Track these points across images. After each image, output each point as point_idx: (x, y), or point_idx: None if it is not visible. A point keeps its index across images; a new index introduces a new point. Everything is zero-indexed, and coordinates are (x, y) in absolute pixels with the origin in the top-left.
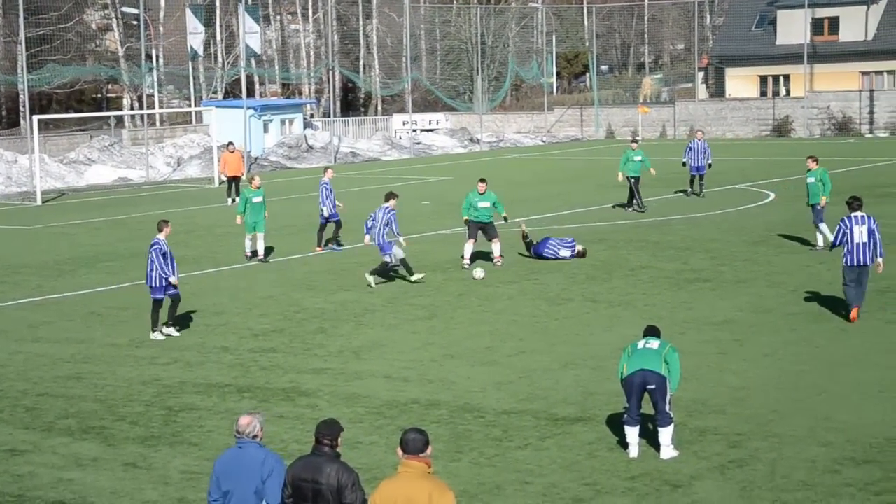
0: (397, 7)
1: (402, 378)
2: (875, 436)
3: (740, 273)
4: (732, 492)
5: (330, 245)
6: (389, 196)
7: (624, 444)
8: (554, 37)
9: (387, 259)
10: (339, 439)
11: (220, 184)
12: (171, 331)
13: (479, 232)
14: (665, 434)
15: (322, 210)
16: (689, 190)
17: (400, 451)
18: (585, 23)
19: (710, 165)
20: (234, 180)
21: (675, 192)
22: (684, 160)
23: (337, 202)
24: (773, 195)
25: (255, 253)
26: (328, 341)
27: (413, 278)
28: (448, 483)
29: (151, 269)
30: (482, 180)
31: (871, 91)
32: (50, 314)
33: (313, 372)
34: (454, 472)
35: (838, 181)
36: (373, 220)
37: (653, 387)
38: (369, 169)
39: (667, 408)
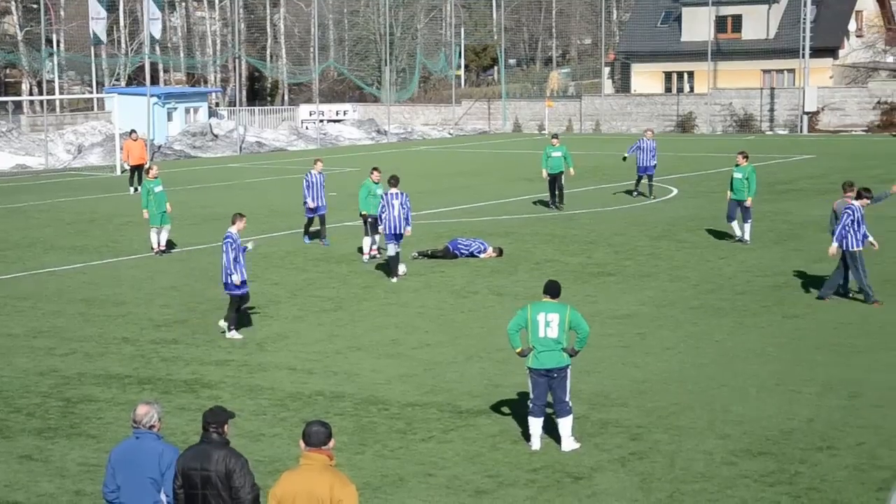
0: None
1: (306, 370)
2: (771, 428)
3: (643, 267)
4: (632, 483)
5: (322, 241)
6: (394, 180)
7: (527, 436)
8: (462, 29)
9: (392, 251)
10: (227, 426)
11: (122, 172)
12: (233, 335)
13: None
14: (565, 425)
15: (306, 202)
16: (636, 190)
17: (302, 444)
18: (494, 16)
19: (654, 166)
20: (137, 169)
21: (616, 193)
22: (626, 154)
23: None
24: (675, 190)
25: (161, 245)
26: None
27: (394, 279)
28: (351, 475)
29: (226, 264)
30: (375, 169)
31: (772, 89)
32: None
33: (216, 363)
34: (358, 464)
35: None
36: (383, 207)
37: (556, 377)
38: (275, 159)
39: (566, 397)
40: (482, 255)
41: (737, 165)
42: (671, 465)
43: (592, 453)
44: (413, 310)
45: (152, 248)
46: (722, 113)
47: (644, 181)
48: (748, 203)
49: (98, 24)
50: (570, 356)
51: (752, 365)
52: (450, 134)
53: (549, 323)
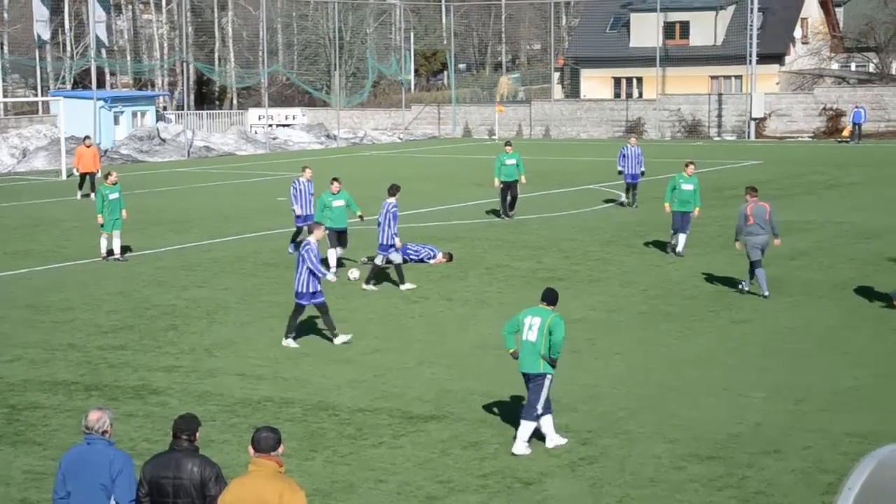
0: (253, 0)
1: (255, 376)
2: (719, 432)
3: (594, 272)
4: (582, 489)
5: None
6: (393, 190)
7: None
8: (412, 34)
9: (378, 261)
10: (198, 434)
11: (68, 176)
12: (343, 338)
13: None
14: (524, 428)
15: (294, 210)
16: (626, 200)
17: (251, 450)
18: (443, 21)
19: (642, 173)
20: (88, 176)
21: (607, 203)
22: (619, 168)
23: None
24: (625, 196)
25: (111, 252)
26: (180, 339)
27: (403, 287)
28: (301, 482)
29: (300, 273)
30: (336, 179)
31: (720, 95)
32: None
33: (164, 369)
34: (308, 470)
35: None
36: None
37: (531, 384)
38: (224, 164)
39: (536, 404)
40: (432, 262)
41: (685, 175)
42: (621, 469)
43: (542, 458)
44: (363, 315)
45: (102, 255)
46: (671, 118)
47: (631, 189)
48: (696, 213)
49: (42, 26)
50: (550, 365)
51: (701, 370)
52: (400, 139)
53: (531, 326)
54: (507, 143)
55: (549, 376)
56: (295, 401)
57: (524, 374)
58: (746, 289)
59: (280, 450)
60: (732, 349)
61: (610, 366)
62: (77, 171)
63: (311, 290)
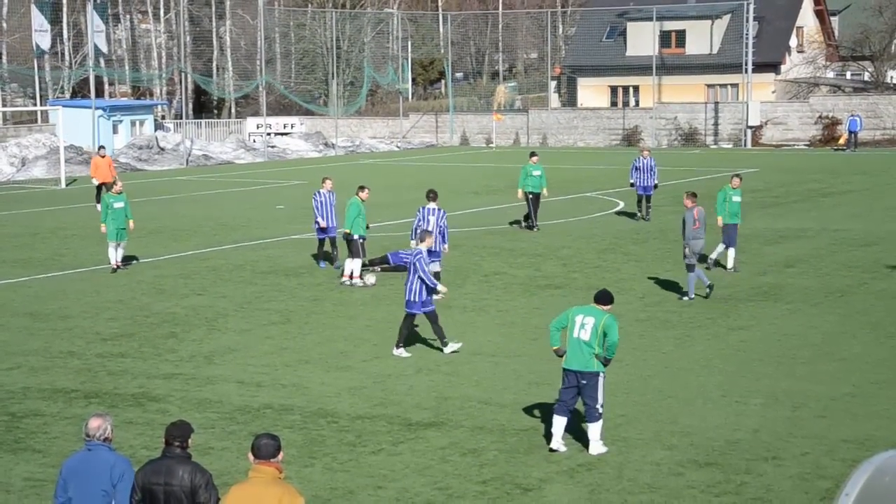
0: (251, 9)
1: (255, 383)
2: (717, 439)
3: (591, 280)
4: (581, 495)
5: (334, 266)
6: (433, 195)
7: (548, 436)
8: (409, 43)
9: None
10: (190, 440)
11: (67, 185)
12: (453, 346)
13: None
14: (594, 430)
15: (318, 222)
16: (638, 214)
17: (251, 456)
18: (441, 30)
19: (656, 186)
20: (104, 185)
21: (619, 214)
22: (631, 181)
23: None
24: (622, 203)
25: (118, 261)
26: (179, 346)
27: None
28: (301, 488)
29: (411, 282)
30: (364, 187)
31: (716, 103)
32: None
33: (164, 377)
34: (307, 477)
35: (682, 190)
36: (419, 222)
37: (584, 382)
38: (222, 172)
39: (595, 404)
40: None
41: (733, 188)
42: (619, 476)
43: (541, 465)
44: (362, 322)
45: (112, 266)
46: (667, 127)
47: (643, 201)
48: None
49: (41, 36)
50: (604, 364)
51: (699, 377)
52: (398, 147)
53: (583, 325)
54: (533, 154)
55: (602, 374)
56: (294, 408)
57: (570, 372)
58: (692, 296)
59: (280, 456)
60: (730, 356)
61: (608, 373)
62: (96, 181)
63: (421, 298)
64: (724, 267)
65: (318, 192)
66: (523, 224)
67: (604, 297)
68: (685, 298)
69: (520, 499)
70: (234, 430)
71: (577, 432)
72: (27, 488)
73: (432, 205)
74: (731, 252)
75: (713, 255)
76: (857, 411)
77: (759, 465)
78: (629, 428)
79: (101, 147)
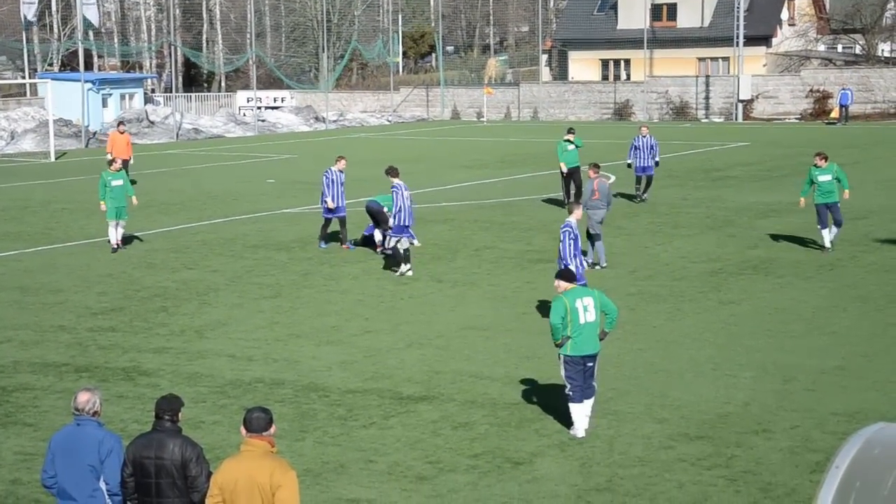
0: None
1: (246, 357)
2: (707, 412)
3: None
4: (572, 468)
5: (344, 245)
6: (394, 171)
7: (569, 424)
8: (400, 16)
9: (398, 244)
10: (180, 414)
11: (56, 158)
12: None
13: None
14: (592, 404)
15: (326, 202)
16: (637, 196)
17: (243, 430)
18: (431, 3)
19: (657, 164)
20: (122, 162)
21: (618, 196)
22: (629, 161)
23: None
24: (613, 177)
25: (118, 241)
26: (170, 320)
27: (399, 271)
28: (292, 462)
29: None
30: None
31: (707, 77)
32: None
33: (154, 351)
34: (299, 450)
35: (673, 164)
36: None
37: (591, 364)
38: (213, 146)
39: (594, 381)
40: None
41: (816, 167)
42: (610, 449)
43: (532, 438)
44: (353, 296)
45: (111, 244)
46: (658, 101)
47: (643, 181)
48: (846, 195)
49: (29, 7)
50: (600, 339)
51: (689, 350)
52: (388, 121)
53: (586, 308)
54: (570, 130)
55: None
56: (285, 382)
57: (585, 356)
58: (590, 261)
59: (272, 430)
60: (721, 329)
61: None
62: (109, 157)
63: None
64: (823, 248)
65: (329, 171)
66: (568, 201)
67: (567, 275)
68: (597, 267)
69: (511, 472)
70: (225, 403)
71: (561, 407)
72: (18, 462)
73: (398, 180)
74: (836, 231)
75: (824, 238)
76: (846, 384)
77: (750, 437)
78: (620, 401)
79: (120, 122)
